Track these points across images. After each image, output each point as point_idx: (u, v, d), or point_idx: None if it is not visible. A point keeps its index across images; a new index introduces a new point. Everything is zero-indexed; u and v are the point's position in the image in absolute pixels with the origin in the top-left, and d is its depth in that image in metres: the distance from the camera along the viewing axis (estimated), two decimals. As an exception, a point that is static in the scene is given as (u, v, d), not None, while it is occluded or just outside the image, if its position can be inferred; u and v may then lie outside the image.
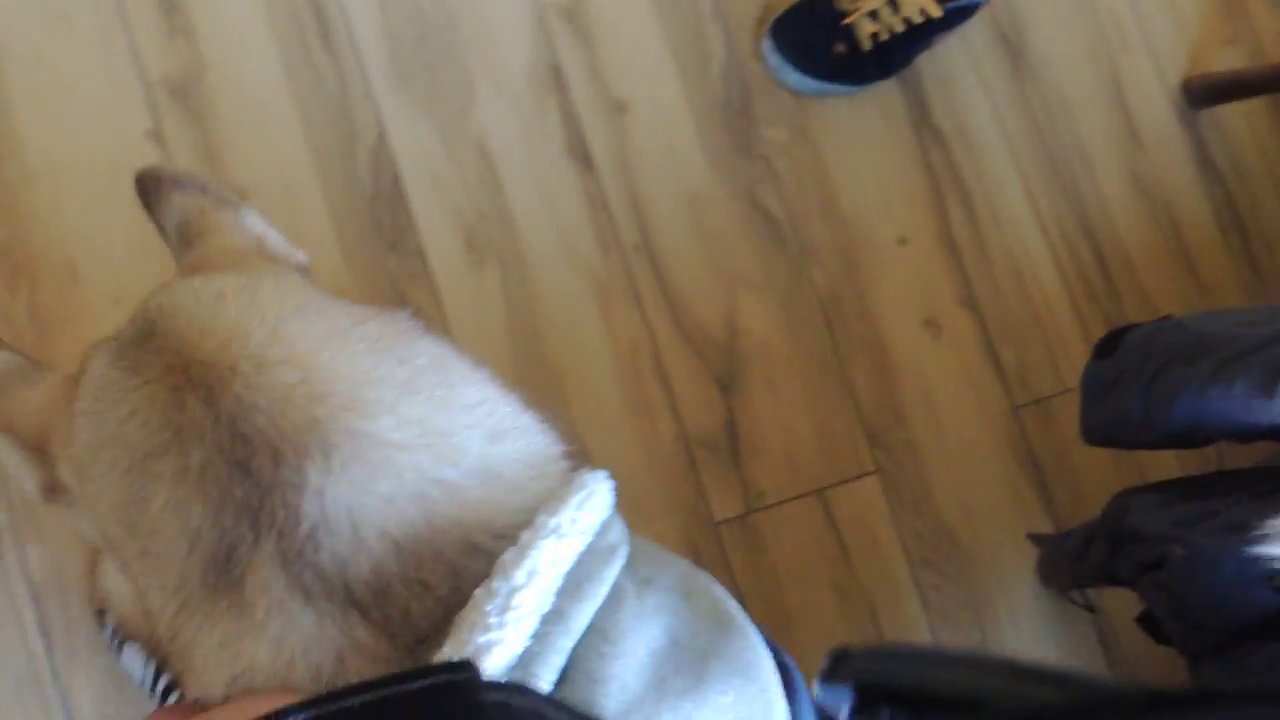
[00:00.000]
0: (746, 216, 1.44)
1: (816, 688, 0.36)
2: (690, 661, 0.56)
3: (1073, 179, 1.51)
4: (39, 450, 0.71)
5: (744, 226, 1.44)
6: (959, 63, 1.51)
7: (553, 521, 0.57)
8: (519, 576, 0.54)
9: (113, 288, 1.29)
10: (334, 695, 0.42)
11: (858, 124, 1.48)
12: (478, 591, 0.55)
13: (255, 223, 0.81)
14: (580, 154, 1.41)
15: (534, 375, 1.36)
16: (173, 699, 1.14)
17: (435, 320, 1.35)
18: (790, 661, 0.63)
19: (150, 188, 0.82)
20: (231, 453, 0.56)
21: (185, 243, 0.79)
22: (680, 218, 1.43)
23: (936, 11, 1.40)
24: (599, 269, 1.40)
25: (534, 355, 1.37)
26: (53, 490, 0.71)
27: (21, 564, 1.23)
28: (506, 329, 1.37)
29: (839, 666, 0.35)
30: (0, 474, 1.21)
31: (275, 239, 0.82)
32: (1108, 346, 1.08)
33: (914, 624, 1.39)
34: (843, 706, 0.36)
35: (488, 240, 1.38)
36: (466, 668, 0.44)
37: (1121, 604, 1.35)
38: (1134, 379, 0.99)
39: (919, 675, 0.34)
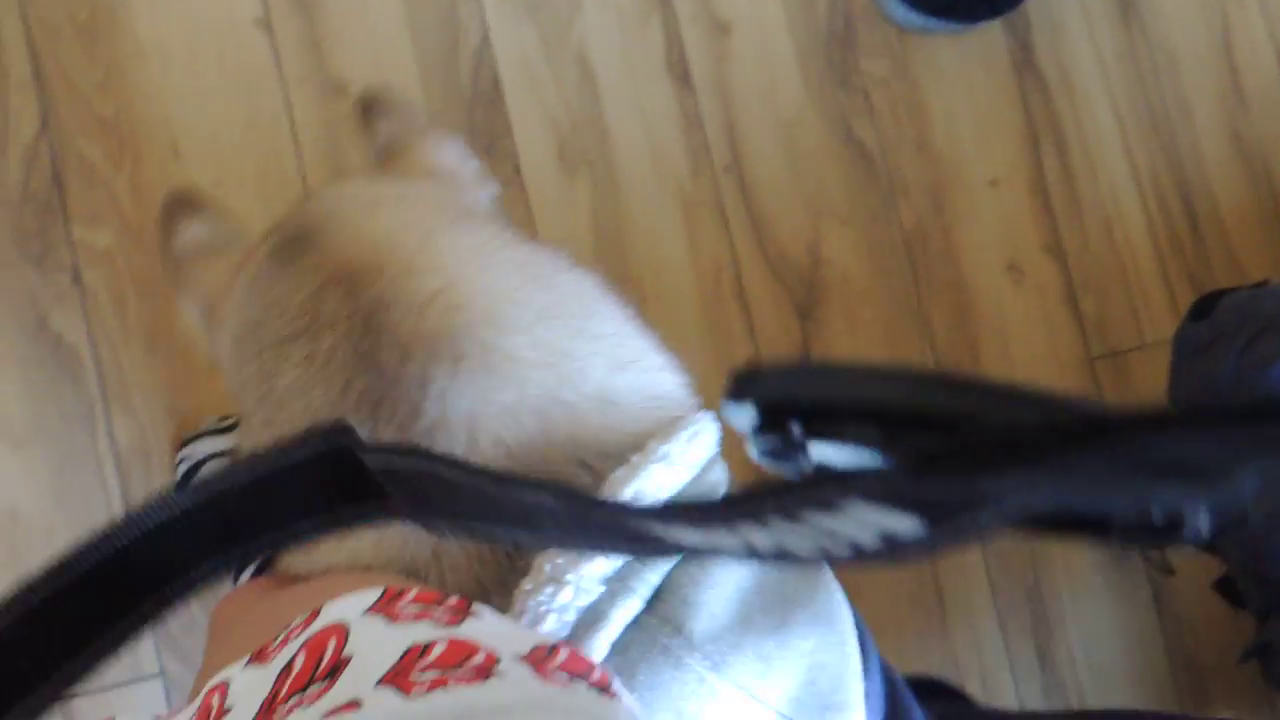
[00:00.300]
0: (839, 148, 1.44)
1: (722, 409, 0.33)
2: (776, 604, 0.57)
3: (1172, 133, 1.50)
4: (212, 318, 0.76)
5: (836, 157, 1.44)
6: (1068, 7, 1.49)
7: (663, 449, 0.59)
8: (626, 493, 0.56)
9: (213, 170, 1.32)
10: (219, 477, 0.43)
11: (959, 62, 1.47)
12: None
13: (454, 152, 0.84)
14: (680, 72, 1.41)
15: (615, 288, 1.37)
16: (244, 577, 1.18)
17: (523, 227, 1.36)
18: (864, 627, 0.65)
19: (368, 109, 0.87)
20: (360, 344, 0.59)
21: (385, 161, 0.83)
22: (773, 143, 1.43)
23: (1051, -48, 1.38)
24: (688, 188, 1.40)
25: (617, 268, 1.38)
26: (215, 361, 0.75)
27: (109, 434, 1.26)
28: (592, 240, 1.38)
29: (748, 384, 0.31)
30: (92, 346, 1.24)
31: (470, 169, 0.84)
32: (1203, 309, 1.07)
33: (970, 564, 1.41)
34: (745, 429, 0.33)
35: (581, 151, 1.38)
36: (345, 432, 0.44)
37: (1181, 570, 1.36)
38: (1229, 343, 0.99)
39: (840, 391, 0.30)
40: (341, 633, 0.42)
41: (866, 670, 0.62)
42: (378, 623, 0.43)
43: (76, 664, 0.41)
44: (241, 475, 0.43)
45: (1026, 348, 1.45)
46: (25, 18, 1.30)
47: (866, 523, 0.28)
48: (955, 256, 1.45)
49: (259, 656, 0.44)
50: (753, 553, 0.33)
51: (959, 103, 1.46)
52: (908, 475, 0.26)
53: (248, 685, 0.42)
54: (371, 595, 0.45)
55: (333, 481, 0.44)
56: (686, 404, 0.66)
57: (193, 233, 0.86)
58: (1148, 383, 1.32)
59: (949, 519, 0.27)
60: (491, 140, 1.37)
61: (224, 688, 0.43)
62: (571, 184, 1.38)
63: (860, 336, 1.42)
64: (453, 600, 0.46)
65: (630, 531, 0.37)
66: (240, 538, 0.44)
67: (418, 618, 0.43)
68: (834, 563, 0.31)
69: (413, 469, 0.42)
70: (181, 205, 0.91)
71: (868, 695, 0.61)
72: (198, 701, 0.43)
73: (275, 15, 1.34)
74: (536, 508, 0.40)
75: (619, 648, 0.54)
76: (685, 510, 0.34)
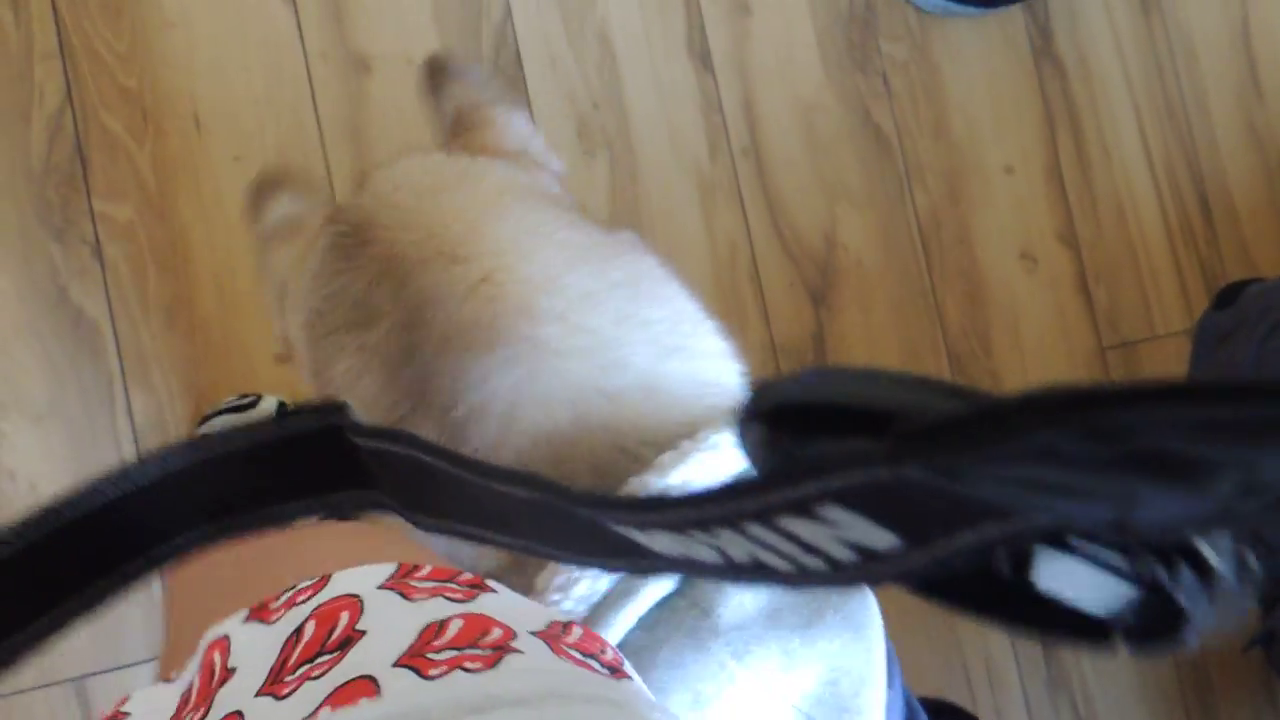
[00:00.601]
0: (857, 131, 1.44)
1: (736, 433, 0.33)
2: (808, 602, 0.58)
3: (1188, 123, 1.50)
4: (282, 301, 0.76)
5: (853, 141, 1.44)
6: (1089, -6, 1.49)
7: (714, 438, 0.59)
8: (673, 477, 0.57)
9: (234, 143, 1.32)
10: (214, 439, 0.42)
11: (979, 47, 1.47)
12: (632, 480, 0.57)
13: (522, 126, 0.83)
14: (700, 53, 1.41)
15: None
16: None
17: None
18: (890, 646, 0.66)
19: (435, 73, 0.84)
20: (405, 334, 0.60)
21: (455, 132, 0.82)
22: (791, 126, 1.43)
23: (1075, -60, 1.38)
24: (706, 169, 1.41)
25: (635, 249, 1.38)
26: (285, 342, 0.75)
27: (127, 409, 1.27)
28: (609, 220, 1.38)
29: (760, 399, 0.30)
30: (112, 321, 1.25)
31: (538, 144, 0.83)
32: (1227, 298, 1.08)
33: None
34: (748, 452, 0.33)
35: (600, 130, 1.39)
36: (340, 411, 0.43)
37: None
38: (1251, 331, 1.00)
39: (842, 399, 0.29)
40: (355, 606, 0.42)
41: (890, 684, 0.63)
42: (393, 599, 0.42)
43: (50, 620, 0.40)
44: (238, 442, 0.42)
45: (1038, 336, 1.46)
46: (47, -13, 1.29)
47: (842, 535, 0.28)
48: (969, 243, 1.46)
49: (260, 612, 0.43)
50: (729, 567, 0.32)
51: (977, 87, 1.47)
52: (885, 457, 0.25)
53: (251, 644, 0.41)
54: (386, 570, 0.45)
55: (324, 463, 0.43)
56: (734, 388, 0.67)
57: (277, 212, 0.86)
58: (1159, 374, 1.33)
59: (927, 536, 0.26)
60: (511, 118, 1.37)
61: (224, 644, 0.42)
62: (590, 163, 1.38)
63: (871, 321, 1.43)
64: (466, 575, 0.46)
65: (610, 540, 0.36)
66: (230, 510, 0.43)
67: (433, 594, 0.43)
68: (809, 581, 0.30)
69: (401, 455, 0.42)
70: (266, 187, 0.90)
71: (889, 706, 0.62)
72: (198, 657, 0.43)
73: (297, -11, 1.34)
74: (513, 504, 0.38)
75: (646, 624, 0.55)
76: (665, 508, 0.33)
